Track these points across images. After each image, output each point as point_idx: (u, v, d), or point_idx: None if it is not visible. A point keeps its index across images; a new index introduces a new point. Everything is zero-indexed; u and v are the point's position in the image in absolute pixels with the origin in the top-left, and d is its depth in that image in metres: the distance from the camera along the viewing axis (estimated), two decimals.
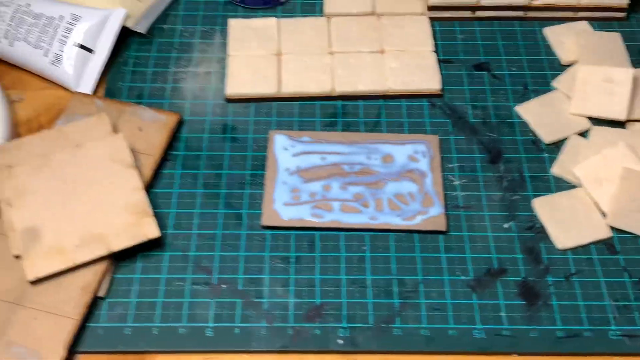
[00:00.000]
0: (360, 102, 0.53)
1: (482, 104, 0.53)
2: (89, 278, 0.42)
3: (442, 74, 0.54)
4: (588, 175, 0.48)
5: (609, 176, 0.47)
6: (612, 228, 0.46)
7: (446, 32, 0.57)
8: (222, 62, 0.55)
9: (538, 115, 0.52)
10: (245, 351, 0.42)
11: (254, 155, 0.50)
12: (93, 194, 0.45)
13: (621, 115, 0.51)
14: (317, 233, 0.46)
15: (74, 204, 0.44)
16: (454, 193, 0.48)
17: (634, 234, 0.46)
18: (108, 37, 0.54)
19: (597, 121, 0.51)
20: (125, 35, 0.56)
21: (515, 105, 0.53)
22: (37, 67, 0.53)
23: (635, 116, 0.51)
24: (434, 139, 0.50)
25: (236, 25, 0.56)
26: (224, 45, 0.56)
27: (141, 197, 0.45)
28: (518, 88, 0.54)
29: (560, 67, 0.55)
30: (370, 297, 0.44)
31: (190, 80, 0.54)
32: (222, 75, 0.54)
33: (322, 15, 0.58)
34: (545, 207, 0.47)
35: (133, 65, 0.55)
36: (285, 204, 0.47)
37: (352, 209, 0.47)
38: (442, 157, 0.50)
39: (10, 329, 0.41)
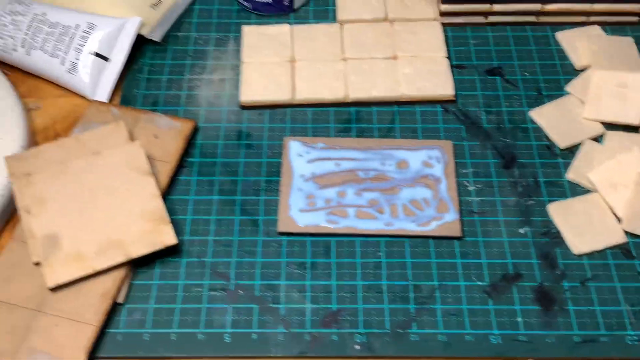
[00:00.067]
0: (374, 108, 0.53)
1: (495, 109, 0.53)
2: (108, 285, 0.43)
3: (455, 79, 0.54)
4: (603, 181, 0.48)
5: (623, 181, 0.47)
6: (628, 233, 0.46)
7: (459, 37, 0.57)
8: (236, 69, 0.56)
9: (552, 120, 0.52)
10: (264, 357, 0.42)
11: (269, 162, 0.50)
12: (110, 201, 0.45)
13: (635, 120, 0.51)
14: (332, 239, 0.47)
15: (92, 211, 0.45)
16: (469, 198, 0.48)
17: None
18: (123, 45, 0.54)
19: (611, 126, 0.51)
20: (140, 43, 0.56)
21: (529, 110, 0.53)
22: (53, 76, 0.54)
23: None
24: (447, 145, 0.50)
25: (250, 32, 0.57)
26: (237, 52, 0.57)
27: (158, 204, 0.45)
28: (531, 93, 0.54)
29: (573, 72, 0.55)
30: (386, 303, 0.44)
31: (204, 87, 0.55)
32: (236, 82, 0.55)
33: (334, 22, 0.58)
34: (560, 213, 0.47)
35: (148, 73, 0.55)
36: (300, 210, 0.47)
37: (367, 215, 0.47)
38: (456, 162, 0.50)
39: (32, 336, 0.41)
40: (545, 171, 0.50)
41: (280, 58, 0.55)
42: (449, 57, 0.55)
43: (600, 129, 0.51)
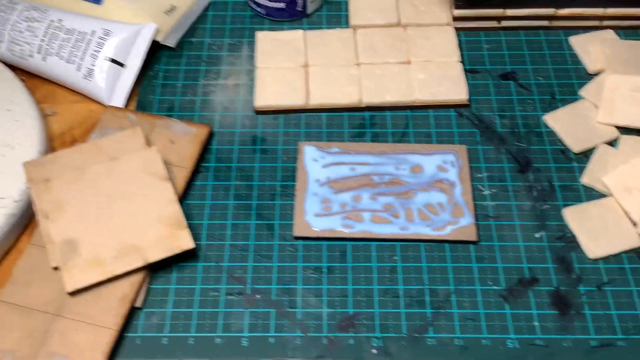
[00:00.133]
0: (388, 113, 0.53)
1: (509, 114, 0.53)
2: (127, 289, 0.43)
3: (468, 84, 0.55)
4: (617, 185, 0.48)
5: (638, 185, 0.47)
6: None
7: (472, 42, 0.58)
8: (250, 74, 0.56)
9: (566, 124, 0.52)
10: None
11: (284, 167, 0.51)
12: (128, 207, 0.45)
13: None
14: (348, 243, 0.47)
15: (110, 217, 0.45)
16: (484, 203, 0.48)
17: None
18: (139, 51, 0.55)
19: (625, 130, 0.51)
20: (155, 49, 0.57)
21: (543, 114, 0.53)
22: (69, 81, 0.54)
23: None
24: (462, 149, 0.51)
25: (263, 38, 0.57)
26: (251, 57, 0.57)
27: (175, 209, 0.45)
28: (545, 97, 0.54)
29: (587, 76, 0.55)
30: (402, 307, 0.44)
31: (219, 92, 0.55)
32: (250, 88, 0.55)
33: (347, 27, 0.58)
34: (575, 217, 0.47)
35: (163, 79, 0.56)
36: (316, 214, 0.47)
37: (382, 219, 0.47)
38: (470, 167, 0.50)
39: (51, 340, 0.41)
40: (560, 175, 0.50)
41: (293, 63, 0.56)
42: (462, 62, 0.56)
43: (614, 133, 0.51)
